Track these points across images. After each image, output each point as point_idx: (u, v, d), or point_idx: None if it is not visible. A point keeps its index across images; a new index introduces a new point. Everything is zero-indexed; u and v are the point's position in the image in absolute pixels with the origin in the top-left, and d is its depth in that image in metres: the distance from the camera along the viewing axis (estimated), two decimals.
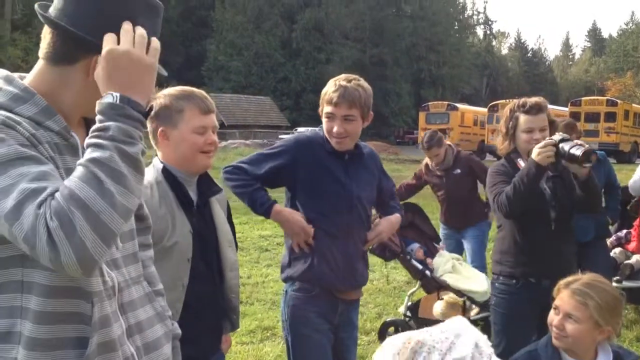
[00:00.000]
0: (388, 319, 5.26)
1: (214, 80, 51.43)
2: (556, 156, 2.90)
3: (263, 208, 2.71)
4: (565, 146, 2.88)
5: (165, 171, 2.22)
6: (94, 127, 1.27)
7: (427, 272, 4.93)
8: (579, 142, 2.96)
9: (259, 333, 5.12)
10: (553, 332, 2.33)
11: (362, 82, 2.72)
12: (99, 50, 1.32)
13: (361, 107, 2.67)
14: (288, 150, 2.75)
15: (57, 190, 1.19)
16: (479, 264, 5.52)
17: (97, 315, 1.33)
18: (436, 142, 5.46)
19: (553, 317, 2.34)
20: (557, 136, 2.98)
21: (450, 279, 4.91)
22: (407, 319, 5.12)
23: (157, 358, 1.51)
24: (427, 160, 5.71)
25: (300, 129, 40.37)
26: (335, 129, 2.67)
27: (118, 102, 1.27)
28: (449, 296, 4.96)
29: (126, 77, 1.29)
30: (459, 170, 5.53)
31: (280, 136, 36.51)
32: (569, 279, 2.40)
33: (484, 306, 4.80)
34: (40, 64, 1.42)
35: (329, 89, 2.69)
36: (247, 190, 2.71)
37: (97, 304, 1.33)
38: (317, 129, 2.91)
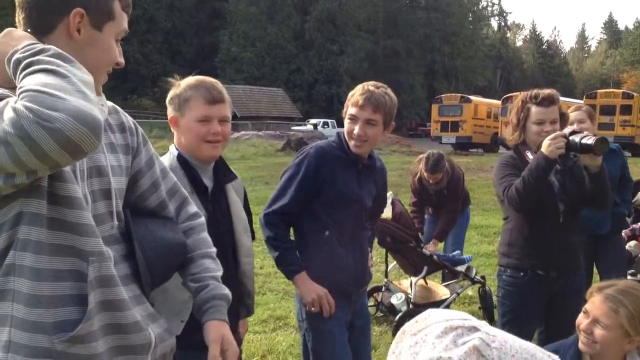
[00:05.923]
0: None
1: (226, 72, 51.48)
2: (567, 149, 2.88)
3: (289, 269, 2.76)
4: (576, 138, 2.87)
5: (180, 157, 2.28)
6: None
7: (435, 256, 5.14)
8: (589, 133, 2.93)
9: (272, 322, 5.17)
10: (581, 336, 2.25)
11: (389, 91, 2.78)
12: (68, 8, 1.38)
13: (385, 113, 2.70)
14: (309, 163, 2.74)
15: None
16: (460, 243, 6.06)
17: (93, 275, 1.40)
18: (441, 167, 5.55)
19: (582, 320, 2.26)
20: (568, 129, 2.96)
21: None
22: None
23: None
24: (420, 175, 5.70)
25: (313, 121, 40.35)
26: (356, 131, 2.70)
27: None
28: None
29: None
30: (446, 192, 5.73)
31: (292, 128, 36.51)
32: (604, 283, 2.30)
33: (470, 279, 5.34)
34: None
35: (356, 92, 2.73)
36: (280, 246, 2.74)
37: (94, 264, 1.40)
38: (331, 138, 2.92)
